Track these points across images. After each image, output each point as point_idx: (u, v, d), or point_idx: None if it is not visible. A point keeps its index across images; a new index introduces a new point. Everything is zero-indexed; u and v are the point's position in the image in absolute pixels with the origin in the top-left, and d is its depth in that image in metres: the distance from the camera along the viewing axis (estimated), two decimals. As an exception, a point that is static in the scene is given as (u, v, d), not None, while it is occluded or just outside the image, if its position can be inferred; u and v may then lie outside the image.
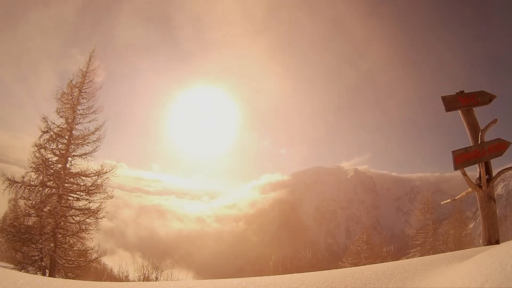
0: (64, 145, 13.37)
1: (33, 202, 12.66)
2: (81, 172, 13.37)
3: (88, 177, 13.48)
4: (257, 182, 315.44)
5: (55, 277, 12.01)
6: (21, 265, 12.29)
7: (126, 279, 15.63)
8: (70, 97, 13.58)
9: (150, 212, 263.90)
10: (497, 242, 4.86)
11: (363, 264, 23.50)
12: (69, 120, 13.39)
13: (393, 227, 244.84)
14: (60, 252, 12.92)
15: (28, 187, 12.54)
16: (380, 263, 4.14)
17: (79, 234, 13.18)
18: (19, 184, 12.45)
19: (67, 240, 13.33)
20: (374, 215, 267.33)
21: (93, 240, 13.78)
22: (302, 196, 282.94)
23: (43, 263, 12.44)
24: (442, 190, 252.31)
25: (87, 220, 13.33)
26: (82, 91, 13.86)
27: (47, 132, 13.10)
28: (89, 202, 13.53)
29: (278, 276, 3.61)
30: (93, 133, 13.73)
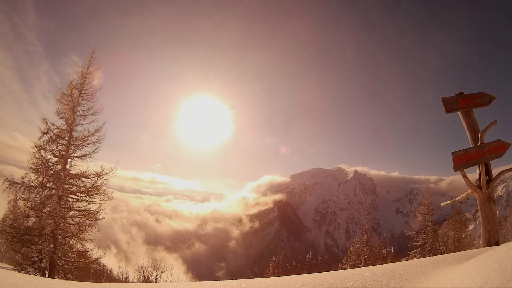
0: (64, 146, 13.34)
1: (33, 203, 12.61)
2: (81, 173, 13.33)
3: (88, 178, 13.44)
4: (257, 183, 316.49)
5: (55, 278, 11.99)
6: (21, 266, 12.25)
7: (126, 280, 15.60)
8: (70, 98, 13.55)
9: (150, 212, 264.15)
10: (497, 244, 4.86)
11: (363, 266, 23.48)
12: (69, 121, 13.37)
13: (393, 228, 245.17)
14: (59, 253, 12.89)
15: (28, 188, 12.50)
16: (380, 265, 4.15)
17: (78, 235, 13.13)
18: (19, 185, 12.42)
19: (66, 241, 13.29)
20: (374, 216, 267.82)
21: (93, 241, 13.75)
22: (302, 197, 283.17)
23: (42, 264, 12.41)
24: (442, 191, 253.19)
25: (87, 221, 13.30)
26: (82, 92, 13.83)
27: (47, 133, 13.07)
28: (89, 203, 13.49)
29: (278, 277, 3.61)
30: (92, 134, 13.70)
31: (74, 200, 13.34)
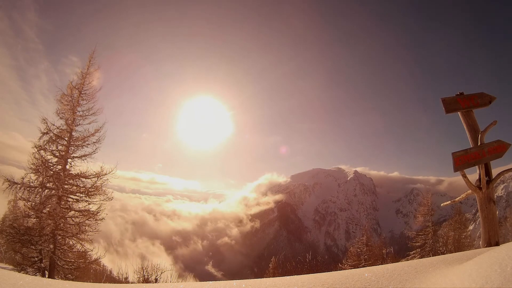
0: (63, 147, 13.34)
1: (33, 203, 12.62)
2: (81, 173, 13.32)
3: (88, 178, 13.44)
4: (257, 183, 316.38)
5: (55, 279, 11.98)
6: (21, 266, 12.25)
7: (126, 280, 15.59)
8: (70, 99, 13.56)
9: (150, 212, 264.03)
10: (497, 244, 4.86)
11: (363, 266, 23.46)
12: (69, 121, 13.37)
13: (393, 228, 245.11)
14: (59, 254, 12.89)
15: (28, 188, 12.51)
16: (379, 265, 4.14)
17: (78, 235, 13.13)
18: (19, 185, 12.41)
19: (66, 242, 13.29)
20: (374, 216, 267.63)
21: (93, 241, 13.75)
22: (302, 197, 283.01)
23: (42, 264, 12.41)
24: (442, 192, 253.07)
25: (87, 221, 13.30)
26: (82, 92, 13.84)
27: (47, 133, 13.08)
28: (89, 204, 13.49)
29: (278, 278, 3.61)
30: (92, 134, 13.70)
31: (74, 200, 13.33)
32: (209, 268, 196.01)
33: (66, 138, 13.35)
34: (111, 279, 19.69)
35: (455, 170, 5.14)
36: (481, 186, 5.19)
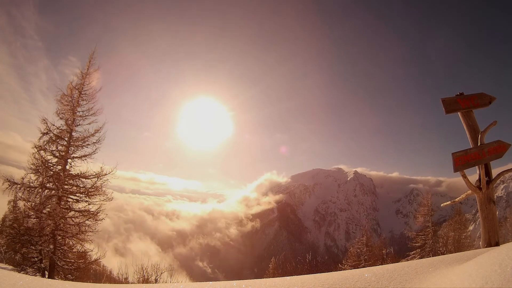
0: (63, 147, 13.33)
1: (33, 203, 12.61)
2: (81, 174, 13.31)
3: (88, 179, 13.43)
4: (257, 183, 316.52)
5: (55, 279, 11.97)
6: (21, 267, 12.25)
7: (126, 281, 15.58)
8: (70, 99, 13.55)
9: (150, 213, 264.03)
10: (497, 244, 4.86)
11: (363, 266, 23.45)
12: (69, 121, 13.36)
13: (392, 229, 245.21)
14: (59, 254, 12.88)
15: (28, 189, 12.50)
16: (380, 265, 4.14)
17: (78, 235, 13.12)
18: (19, 186, 12.41)
19: (66, 242, 13.27)
20: (374, 217, 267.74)
21: (93, 241, 13.73)
22: (302, 198, 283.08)
23: (42, 264, 12.40)
24: (442, 192, 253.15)
25: (87, 222, 13.29)
26: (82, 93, 13.83)
27: (46, 133, 13.07)
28: (89, 204, 13.48)
29: (278, 278, 3.61)
30: (92, 135, 13.69)
31: (74, 200, 13.32)
32: (208, 268, 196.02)
33: (66, 139, 13.35)
34: (111, 279, 19.67)
35: (455, 170, 5.14)
36: (481, 186, 5.19)
